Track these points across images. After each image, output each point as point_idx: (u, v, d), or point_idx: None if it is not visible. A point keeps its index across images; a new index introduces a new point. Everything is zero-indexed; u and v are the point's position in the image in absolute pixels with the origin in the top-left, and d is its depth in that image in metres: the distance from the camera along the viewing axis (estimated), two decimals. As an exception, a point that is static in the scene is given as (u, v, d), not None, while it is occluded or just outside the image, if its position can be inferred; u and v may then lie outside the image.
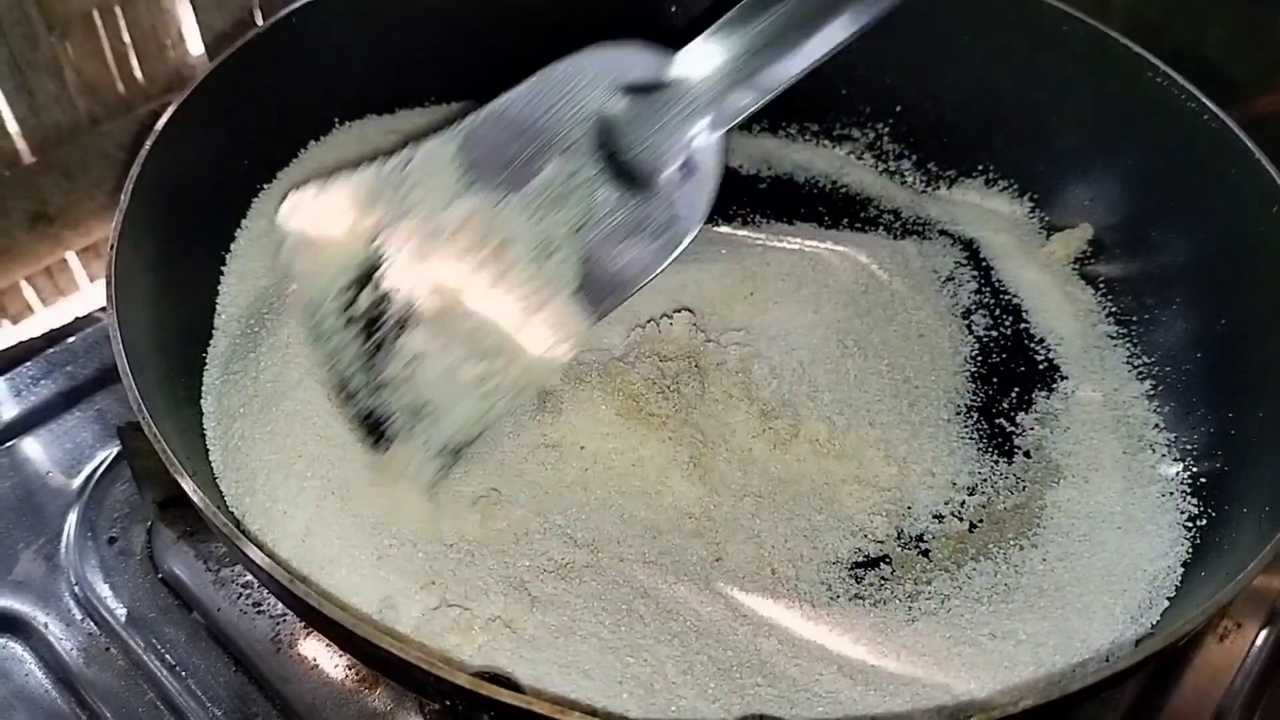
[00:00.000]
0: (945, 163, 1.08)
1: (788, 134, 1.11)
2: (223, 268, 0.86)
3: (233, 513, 0.71)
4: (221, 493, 0.72)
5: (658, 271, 0.72)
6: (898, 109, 1.09)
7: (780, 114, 1.11)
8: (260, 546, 0.59)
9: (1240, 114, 0.88)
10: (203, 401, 0.77)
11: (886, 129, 1.10)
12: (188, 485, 0.59)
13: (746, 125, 1.10)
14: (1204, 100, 0.87)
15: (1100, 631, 0.71)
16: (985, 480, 0.82)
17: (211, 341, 0.82)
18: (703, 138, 0.71)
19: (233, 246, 0.88)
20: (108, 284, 0.68)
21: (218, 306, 0.84)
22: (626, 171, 0.72)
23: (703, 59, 0.70)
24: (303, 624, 0.76)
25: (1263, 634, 0.82)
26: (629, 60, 0.72)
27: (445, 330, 0.69)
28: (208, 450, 0.75)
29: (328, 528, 0.70)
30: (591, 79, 0.72)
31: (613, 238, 0.72)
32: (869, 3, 0.67)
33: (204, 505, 0.59)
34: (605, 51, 0.72)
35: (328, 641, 0.75)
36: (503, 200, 0.71)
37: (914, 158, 1.09)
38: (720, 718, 0.62)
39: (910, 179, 1.08)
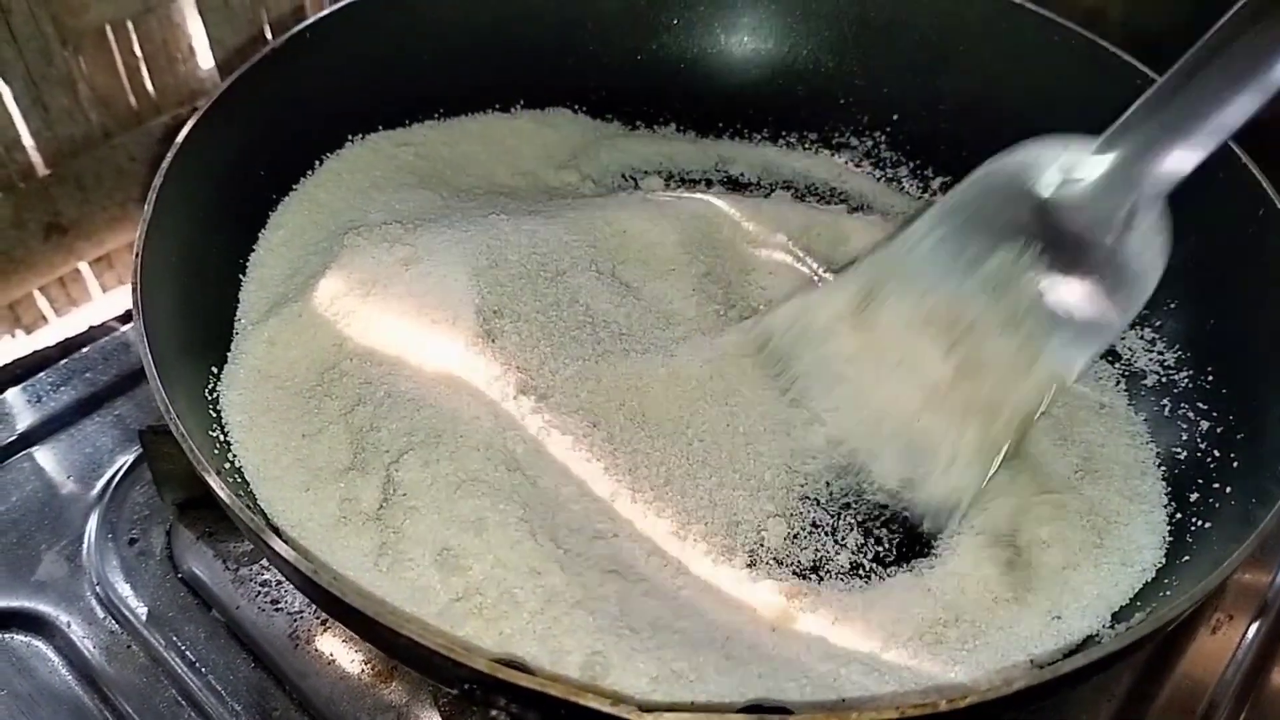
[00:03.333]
0: (942, 170, 1.10)
1: (787, 142, 1.13)
2: (241, 275, 0.88)
3: (260, 510, 0.73)
4: (244, 492, 0.74)
5: (1125, 324, 0.78)
6: (894, 117, 1.11)
7: (780, 123, 1.13)
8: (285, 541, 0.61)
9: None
10: (224, 405, 0.79)
11: (884, 137, 1.12)
12: (214, 482, 0.61)
13: (747, 134, 1.13)
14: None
15: (1088, 622, 0.73)
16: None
17: (232, 346, 0.83)
18: (1144, 202, 0.73)
19: (251, 257, 0.89)
20: (134, 290, 0.70)
21: (238, 313, 0.86)
22: (1069, 246, 0.76)
23: (1131, 133, 0.73)
24: (320, 619, 0.78)
25: (1254, 626, 0.84)
26: (1055, 150, 0.76)
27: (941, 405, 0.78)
28: (228, 453, 0.76)
29: (349, 528, 0.72)
30: (1022, 174, 0.77)
31: (1072, 305, 0.76)
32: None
33: (230, 500, 0.61)
34: (1030, 147, 0.78)
35: (345, 636, 0.78)
36: (959, 288, 0.78)
37: (911, 165, 1.11)
38: (730, 700, 0.64)
39: (907, 185, 1.10)
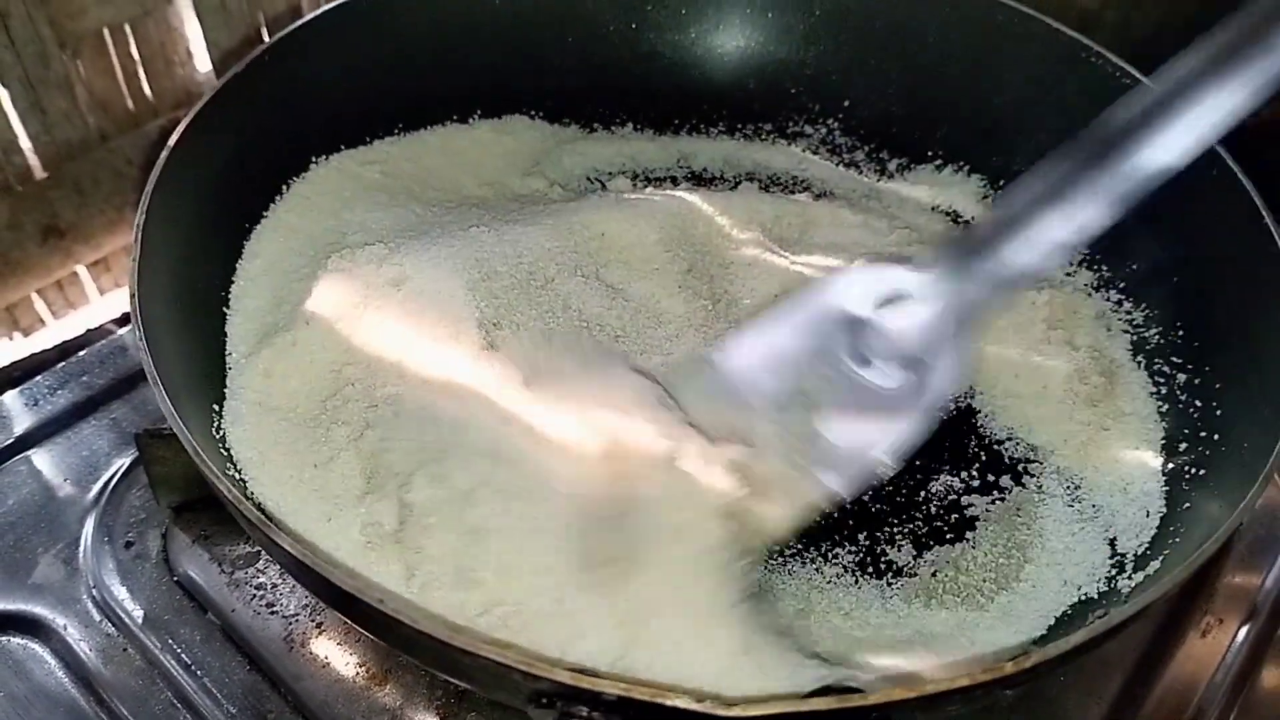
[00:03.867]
0: (896, 151, 1.12)
1: (744, 134, 1.15)
2: (225, 309, 0.86)
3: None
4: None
5: (907, 446, 0.76)
6: (845, 104, 1.13)
7: (735, 116, 1.15)
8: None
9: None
10: (232, 442, 0.78)
11: (837, 124, 1.14)
12: (225, 488, 0.62)
13: (705, 129, 1.15)
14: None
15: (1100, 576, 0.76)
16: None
17: (228, 380, 0.82)
18: (951, 327, 0.74)
19: (233, 289, 0.88)
20: (135, 325, 0.70)
21: (228, 346, 0.84)
22: (874, 363, 0.77)
23: (951, 261, 0.73)
24: (315, 623, 0.79)
25: (1243, 630, 0.85)
26: (877, 277, 0.77)
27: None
28: (246, 492, 0.75)
29: (376, 554, 0.72)
30: (842, 296, 0.78)
31: (860, 419, 0.76)
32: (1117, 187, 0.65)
33: (246, 509, 0.61)
34: (853, 274, 0.80)
35: (340, 639, 0.78)
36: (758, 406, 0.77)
37: (866, 149, 1.13)
38: (799, 689, 0.64)
39: (864, 169, 1.12)
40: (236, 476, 0.75)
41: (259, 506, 0.74)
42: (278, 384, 0.81)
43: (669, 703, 0.52)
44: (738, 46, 1.13)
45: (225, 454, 0.76)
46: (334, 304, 0.84)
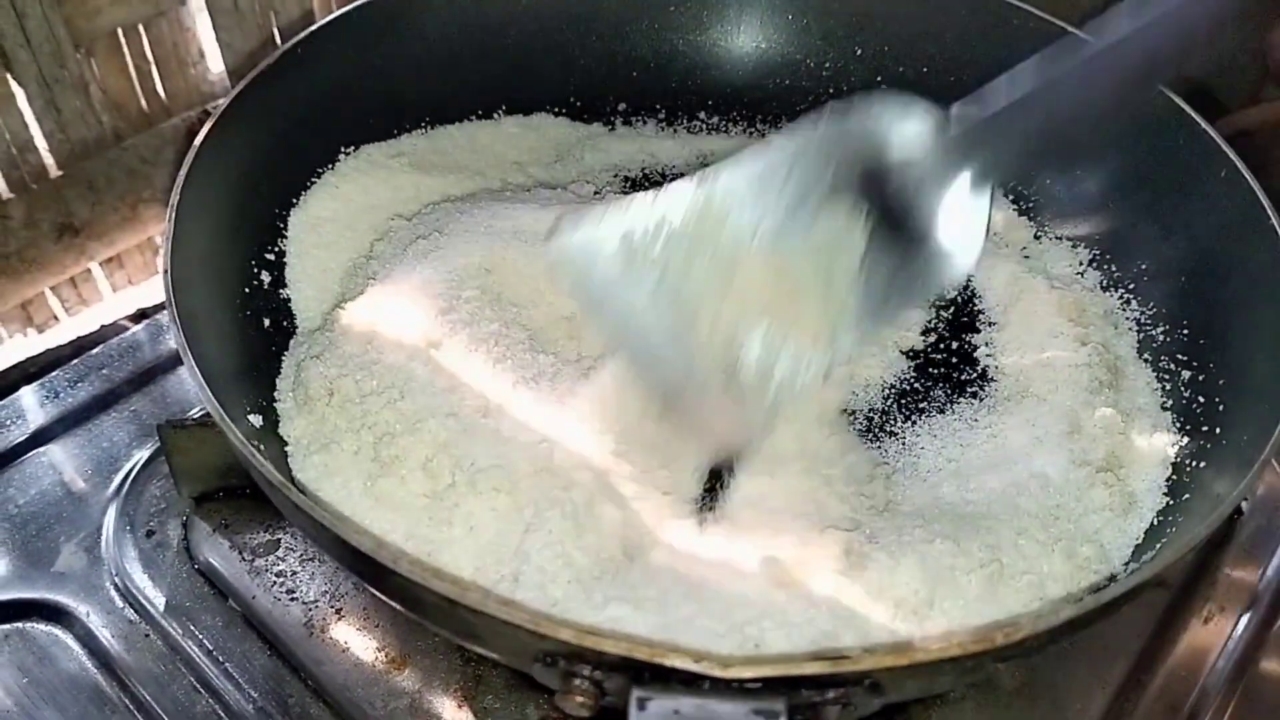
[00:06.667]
0: None
1: (761, 134, 1.17)
2: (247, 289, 0.88)
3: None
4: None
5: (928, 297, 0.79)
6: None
7: (753, 116, 1.17)
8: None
9: (1226, 126, 0.92)
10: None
11: None
12: (248, 453, 0.63)
13: (724, 128, 1.17)
14: (1185, 108, 0.92)
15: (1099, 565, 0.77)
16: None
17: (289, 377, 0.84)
18: (970, 185, 0.73)
19: (287, 273, 0.91)
20: (168, 299, 0.72)
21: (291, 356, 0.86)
22: (895, 214, 0.74)
23: (971, 113, 0.71)
24: (334, 609, 0.80)
25: (1244, 618, 0.86)
26: (895, 113, 0.74)
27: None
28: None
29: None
30: (857, 132, 0.75)
31: (886, 276, 0.75)
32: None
33: (268, 471, 0.63)
34: (877, 106, 0.75)
35: (359, 625, 0.79)
36: (789, 237, 0.74)
37: None
38: (798, 650, 0.66)
39: None
40: (260, 446, 0.77)
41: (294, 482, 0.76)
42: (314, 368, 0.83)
43: (668, 663, 0.53)
44: (757, 47, 1.15)
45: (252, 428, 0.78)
46: (393, 295, 0.86)
